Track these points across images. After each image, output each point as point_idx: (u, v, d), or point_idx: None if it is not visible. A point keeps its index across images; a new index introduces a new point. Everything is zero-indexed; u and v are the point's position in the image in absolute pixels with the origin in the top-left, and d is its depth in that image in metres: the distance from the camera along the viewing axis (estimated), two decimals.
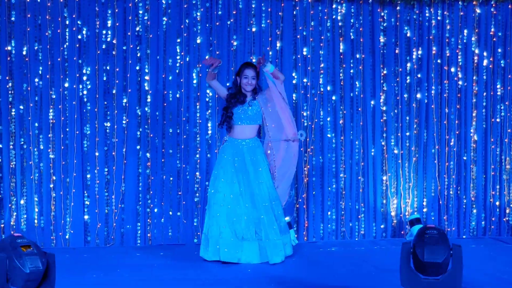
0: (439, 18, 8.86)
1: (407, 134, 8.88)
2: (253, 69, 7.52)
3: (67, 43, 8.18)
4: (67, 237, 8.25)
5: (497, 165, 9.02)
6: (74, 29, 8.18)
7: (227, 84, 8.15)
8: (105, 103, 8.29)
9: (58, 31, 8.14)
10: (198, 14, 8.42)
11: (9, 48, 8.08)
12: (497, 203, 9.01)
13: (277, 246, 7.35)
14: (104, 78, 8.28)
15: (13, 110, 8.10)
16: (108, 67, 8.29)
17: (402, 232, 8.81)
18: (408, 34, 8.83)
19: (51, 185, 8.20)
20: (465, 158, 8.99)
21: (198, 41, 8.44)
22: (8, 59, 8.08)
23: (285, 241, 7.49)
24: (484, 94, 8.97)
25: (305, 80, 8.65)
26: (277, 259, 7.32)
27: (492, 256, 7.93)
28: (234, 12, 8.49)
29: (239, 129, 7.54)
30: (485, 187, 9.02)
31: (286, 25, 8.60)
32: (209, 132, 8.48)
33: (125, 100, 8.32)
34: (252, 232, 7.36)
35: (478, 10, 8.89)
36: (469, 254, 7.63)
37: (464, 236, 8.98)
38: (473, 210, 9.00)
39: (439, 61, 8.89)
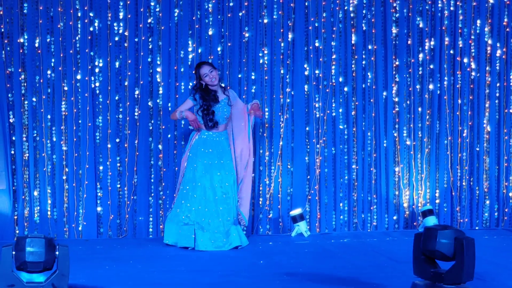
0: (451, 8, 8.81)
1: (420, 125, 8.85)
2: (208, 65, 7.70)
3: (79, 35, 8.20)
4: (80, 228, 8.28)
5: (510, 156, 8.98)
6: (86, 21, 8.19)
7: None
8: (117, 95, 8.31)
9: (70, 23, 8.16)
10: (210, 5, 8.42)
11: (21, 40, 8.10)
12: (510, 194, 8.98)
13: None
14: (116, 70, 8.29)
15: (26, 102, 8.13)
16: (120, 59, 8.30)
17: (414, 224, 8.80)
18: (421, 25, 8.80)
19: (64, 177, 8.23)
20: (478, 149, 8.95)
21: (210, 32, 8.44)
22: (21, 51, 8.11)
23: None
24: (497, 84, 8.93)
25: (317, 71, 8.64)
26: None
27: (504, 247, 7.90)
28: (246, 4, 8.47)
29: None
30: (498, 178, 8.99)
31: (298, 16, 8.58)
32: None
33: (137, 92, 8.33)
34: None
35: (491, 0, 8.84)
36: (481, 246, 7.61)
37: (477, 228, 8.95)
38: (486, 201, 8.97)
39: (451, 51, 8.85)
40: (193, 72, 7.80)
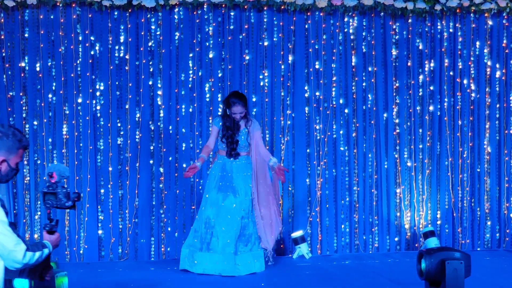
0: (451, 30, 8.85)
1: (420, 146, 8.86)
2: (241, 105, 7.61)
3: (80, 59, 8.23)
4: (81, 252, 8.27)
5: (511, 176, 8.97)
6: (87, 44, 8.23)
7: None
8: (118, 118, 8.33)
9: (71, 47, 8.20)
10: (210, 28, 8.46)
11: (23, 64, 8.14)
12: None
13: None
14: (117, 93, 8.32)
15: (27, 125, 8.16)
16: (121, 83, 8.33)
17: (416, 245, 8.78)
18: (420, 47, 8.83)
19: None
20: (478, 170, 8.96)
21: (211, 55, 8.47)
22: (22, 75, 8.14)
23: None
24: (497, 105, 8.94)
25: (317, 93, 8.66)
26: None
27: (506, 269, 7.89)
28: (246, 27, 8.51)
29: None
30: (499, 199, 8.99)
31: (298, 38, 8.62)
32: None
33: (138, 115, 8.35)
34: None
35: (490, 22, 8.88)
36: (483, 267, 7.63)
37: (478, 249, 8.94)
38: (487, 222, 8.97)
39: (451, 73, 8.88)
40: (224, 101, 7.71)
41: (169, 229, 8.40)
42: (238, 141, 7.66)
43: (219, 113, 7.89)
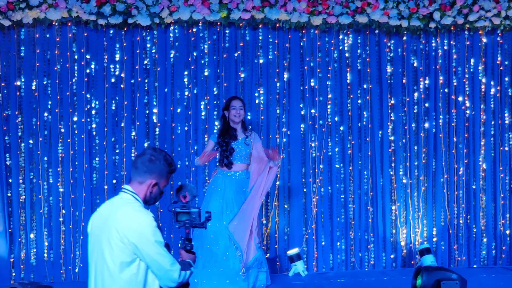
0: (445, 47, 8.88)
1: (416, 163, 8.87)
2: (241, 101, 7.64)
3: (75, 78, 8.24)
4: (76, 270, 8.26)
5: (507, 193, 8.98)
6: (82, 63, 8.24)
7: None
8: (114, 136, 8.33)
9: (67, 65, 8.21)
10: (206, 46, 8.48)
11: (18, 83, 8.15)
12: (508, 231, 8.97)
13: None
14: (113, 112, 8.32)
15: (23, 144, 8.15)
16: (116, 101, 8.33)
17: (412, 262, 8.77)
18: (415, 64, 8.85)
19: (61, 219, 8.22)
20: (474, 187, 8.96)
21: (206, 73, 8.49)
22: (18, 94, 8.15)
23: None
24: (492, 122, 8.96)
25: (312, 111, 8.68)
26: None
27: (502, 286, 7.90)
28: (241, 44, 8.53)
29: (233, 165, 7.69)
30: (495, 215, 8.98)
31: (293, 56, 8.64)
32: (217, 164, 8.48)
33: (133, 133, 8.36)
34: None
35: (484, 40, 8.91)
36: (480, 284, 7.61)
37: (474, 266, 8.93)
38: (483, 239, 8.96)
39: (446, 90, 8.90)
40: (224, 106, 7.71)
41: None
42: (233, 149, 7.59)
43: (216, 132, 7.83)
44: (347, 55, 8.74)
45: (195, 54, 8.47)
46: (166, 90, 8.42)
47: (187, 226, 4.24)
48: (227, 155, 7.59)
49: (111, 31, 8.28)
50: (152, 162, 4.05)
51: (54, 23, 8.12)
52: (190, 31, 8.43)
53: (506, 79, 8.97)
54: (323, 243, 8.68)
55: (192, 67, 8.46)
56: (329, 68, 8.70)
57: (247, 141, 7.64)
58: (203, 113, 8.48)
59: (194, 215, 4.24)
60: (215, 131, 7.99)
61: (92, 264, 4.07)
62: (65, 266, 8.23)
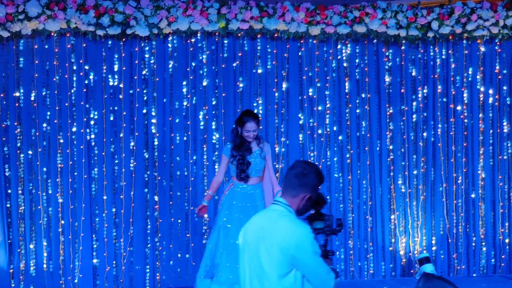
0: (443, 57, 8.89)
1: (415, 172, 8.87)
2: (256, 122, 7.43)
3: (74, 88, 8.25)
4: (76, 281, 8.25)
5: (506, 202, 8.99)
6: (81, 74, 8.26)
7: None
8: (113, 146, 8.34)
9: (66, 76, 8.22)
10: (204, 57, 8.49)
11: (17, 94, 8.16)
12: (507, 240, 8.98)
13: None
14: (111, 122, 8.34)
15: (22, 155, 8.16)
16: (115, 111, 8.35)
17: (411, 271, 8.77)
18: (413, 73, 8.87)
19: (60, 229, 8.23)
20: (473, 195, 8.97)
21: (204, 83, 8.50)
22: (17, 105, 8.16)
23: None
24: (491, 131, 8.97)
25: (311, 120, 8.69)
26: None
27: None
28: (240, 54, 8.55)
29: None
30: (494, 224, 8.99)
31: (292, 66, 8.65)
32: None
33: (132, 144, 8.37)
34: None
35: (482, 49, 8.92)
36: None
37: (474, 275, 8.93)
38: (482, 248, 8.96)
39: (444, 99, 8.91)
40: (237, 121, 7.51)
41: (164, 257, 8.38)
42: (250, 162, 7.45)
43: (228, 144, 7.58)
44: (345, 64, 8.75)
45: (193, 64, 8.48)
46: (164, 100, 8.43)
47: (328, 233, 4.28)
48: (243, 169, 7.45)
49: (110, 42, 8.30)
50: (306, 176, 4.11)
51: (52, 34, 8.14)
52: (188, 41, 8.45)
53: (505, 88, 8.98)
54: None
55: (191, 77, 8.47)
56: (328, 77, 8.72)
57: (262, 155, 7.50)
58: (201, 123, 8.49)
59: (329, 222, 4.29)
60: (228, 144, 7.59)
61: (246, 273, 4.15)
62: (65, 277, 8.24)
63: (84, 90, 8.28)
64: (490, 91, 8.96)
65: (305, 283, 4.07)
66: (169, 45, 8.42)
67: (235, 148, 7.44)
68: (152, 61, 8.41)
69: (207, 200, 7.57)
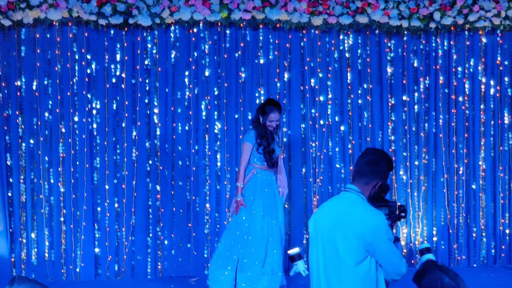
0: (445, 48, 8.89)
1: (416, 163, 8.89)
2: (279, 112, 7.42)
3: (76, 78, 8.25)
4: (77, 270, 8.27)
5: (506, 193, 9.00)
6: (83, 63, 8.24)
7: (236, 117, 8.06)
8: (115, 136, 8.34)
9: (68, 65, 8.21)
10: (206, 47, 8.48)
11: (19, 83, 8.15)
12: (507, 231, 9.00)
13: None
14: (114, 112, 8.33)
15: (24, 144, 8.16)
16: (117, 101, 8.34)
17: (412, 261, 8.79)
18: (415, 64, 8.87)
19: (62, 219, 8.23)
20: (474, 186, 8.98)
21: (207, 73, 8.49)
22: (18, 94, 8.15)
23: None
24: (492, 122, 8.98)
25: (313, 111, 8.69)
26: None
27: (502, 286, 7.92)
28: (242, 45, 8.54)
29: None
30: (495, 215, 9.01)
31: (294, 56, 8.65)
32: (218, 164, 8.51)
33: (134, 133, 8.36)
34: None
35: (484, 40, 8.93)
36: (479, 284, 7.64)
37: (474, 265, 8.95)
38: (483, 238, 8.99)
39: (446, 90, 8.92)
40: (260, 107, 7.48)
41: (165, 246, 8.40)
42: (274, 150, 7.49)
43: (250, 128, 7.53)
44: (347, 55, 8.75)
45: (195, 54, 8.47)
46: (167, 90, 8.42)
47: (394, 220, 4.38)
48: (272, 156, 7.48)
49: (112, 31, 8.29)
50: (377, 164, 4.20)
51: (54, 23, 8.12)
52: (191, 31, 8.44)
53: (506, 79, 8.99)
54: None
55: (193, 67, 8.46)
56: (330, 68, 8.71)
57: (279, 143, 7.65)
58: (203, 113, 8.48)
59: (393, 208, 4.42)
60: (250, 133, 7.46)
61: (320, 261, 4.22)
62: (66, 266, 8.25)
63: (86, 79, 8.27)
64: (492, 82, 8.97)
65: (379, 269, 4.12)
66: (171, 35, 8.41)
67: (259, 136, 7.43)
68: (154, 51, 8.40)
69: (240, 193, 7.44)
